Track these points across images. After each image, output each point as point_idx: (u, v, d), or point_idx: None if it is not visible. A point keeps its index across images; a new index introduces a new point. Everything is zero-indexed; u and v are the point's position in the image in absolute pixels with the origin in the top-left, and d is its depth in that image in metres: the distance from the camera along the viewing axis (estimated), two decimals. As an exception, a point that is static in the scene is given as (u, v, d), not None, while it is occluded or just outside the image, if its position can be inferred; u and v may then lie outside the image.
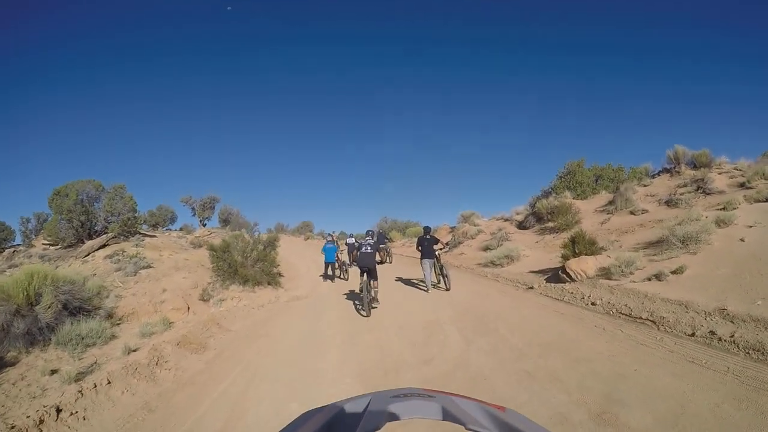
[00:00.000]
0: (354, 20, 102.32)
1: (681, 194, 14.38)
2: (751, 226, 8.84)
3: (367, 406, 0.85)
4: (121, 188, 21.51)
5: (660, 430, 3.75)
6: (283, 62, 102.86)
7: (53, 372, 6.83)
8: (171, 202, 50.00)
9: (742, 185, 13.18)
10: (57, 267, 15.90)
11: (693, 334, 5.72)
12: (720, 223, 9.20)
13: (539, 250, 15.47)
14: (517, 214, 22.60)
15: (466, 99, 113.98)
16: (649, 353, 5.43)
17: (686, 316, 6.22)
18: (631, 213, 15.04)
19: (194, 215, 36.02)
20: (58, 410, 5.39)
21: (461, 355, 6.42)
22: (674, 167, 17.15)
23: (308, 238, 41.14)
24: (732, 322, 5.68)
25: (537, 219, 19.56)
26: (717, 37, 79.26)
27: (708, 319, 5.95)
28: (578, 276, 9.63)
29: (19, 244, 26.08)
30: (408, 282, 13.76)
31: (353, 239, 19.36)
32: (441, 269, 12.08)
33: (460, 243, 21.26)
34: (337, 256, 16.63)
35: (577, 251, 10.62)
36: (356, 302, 11.00)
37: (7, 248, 24.54)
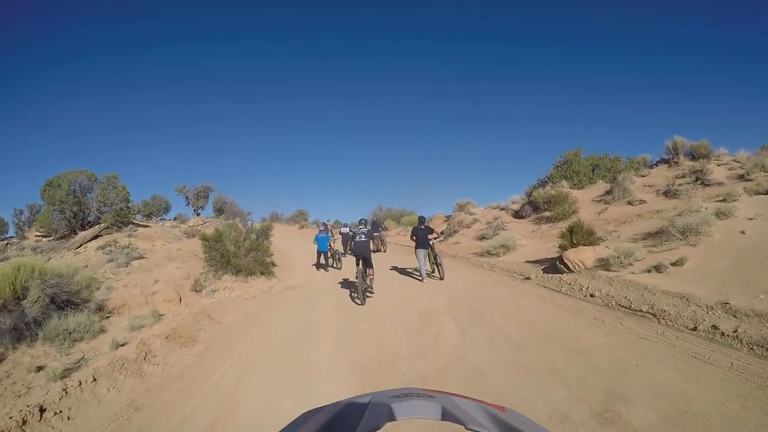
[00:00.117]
0: (346, 11, 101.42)
1: (679, 185, 14.24)
2: (751, 219, 8.70)
3: (367, 405, 0.85)
4: (113, 178, 21.25)
5: (664, 429, 3.61)
6: (276, 50, 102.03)
7: (39, 369, 6.66)
8: (165, 191, 49.48)
9: (741, 177, 13.04)
10: (49, 259, 15.76)
11: (695, 329, 5.58)
12: (720, 214, 9.07)
13: (536, 240, 15.34)
14: (513, 203, 22.43)
15: (463, 88, 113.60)
16: (650, 347, 5.29)
17: (688, 309, 6.08)
18: (629, 203, 14.91)
19: (188, 204, 35.66)
20: (42, 410, 5.20)
21: (457, 346, 6.28)
22: (673, 158, 17.00)
23: (303, 227, 40.92)
24: (735, 316, 5.54)
25: (533, 208, 19.42)
26: (714, 28, 78.97)
27: (710, 312, 5.81)
28: (576, 267, 9.49)
29: (12, 236, 25.79)
30: (403, 271, 13.64)
31: (347, 229, 19.25)
32: (435, 258, 12.11)
33: (455, 232, 21.09)
34: (330, 245, 16.45)
35: (574, 241, 10.49)
36: (351, 290, 10.94)
37: (0, 241, 24.25)
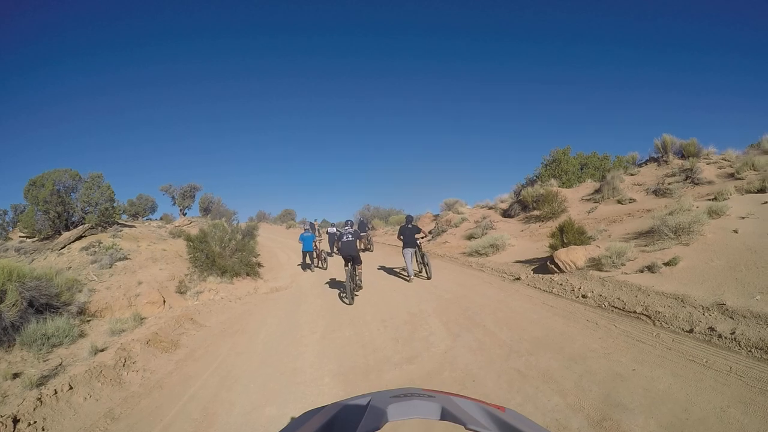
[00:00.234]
0: (335, 5, 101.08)
1: (669, 184, 14.20)
2: (744, 218, 8.62)
3: (367, 406, 0.85)
4: (98, 177, 20.78)
5: (665, 439, 3.45)
6: (263, 48, 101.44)
7: (16, 376, 6.34)
8: (151, 191, 48.86)
9: (731, 176, 13.01)
10: (33, 260, 15.36)
11: (691, 330, 5.44)
12: (712, 213, 8.97)
13: (525, 239, 15.23)
14: (502, 202, 22.32)
15: (451, 86, 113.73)
16: (646, 351, 5.14)
17: (683, 310, 5.94)
18: (619, 202, 14.85)
19: (174, 204, 35.13)
20: (15, 420, 4.94)
21: (447, 351, 6.09)
22: (662, 156, 16.96)
23: (290, 227, 40.81)
24: (731, 317, 5.41)
25: (522, 207, 19.31)
26: (703, 27, 79.74)
27: (706, 314, 5.68)
28: (567, 267, 9.35)
29: (-5, 238, 25.21)
30: (390, 271, 13.48)
31: (334, 229, 19.10)
32: (422, 258, 12.05)
33: (443, 231, 20.94)
34: (315, 245, 16.22)
35: (565, 241, 10.36)
36: (340, 291, 10.82)
37: (-17, 242, 23.68)
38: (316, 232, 17.15)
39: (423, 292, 10.11)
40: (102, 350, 7.20)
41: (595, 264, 8.83)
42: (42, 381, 6.02)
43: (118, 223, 21.68)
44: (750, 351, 4.67)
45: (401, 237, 11.90)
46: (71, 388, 5.70)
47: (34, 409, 5.19)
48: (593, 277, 8.36)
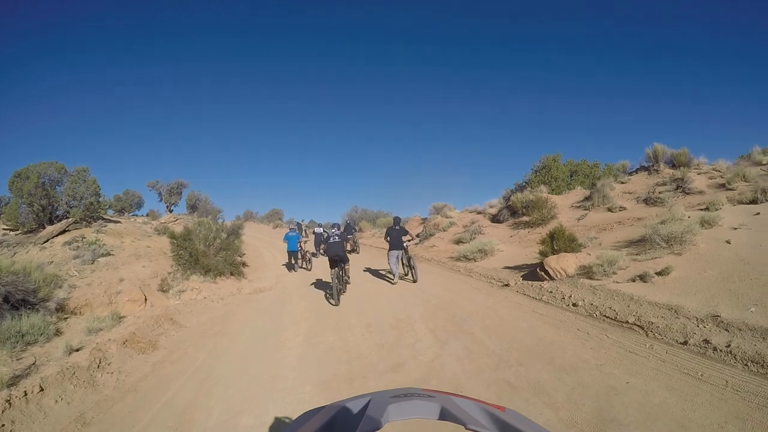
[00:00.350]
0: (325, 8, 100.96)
1: (660, 193, 14.17)
2: (736, 228, 8.56)
3: (367, 406, 0.84)
4: (84, 171, 20.37)
5: (662, 458, 3.30)
6: (252, 47, 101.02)
7: (-13, 375, 6.08)
8: (138, 187, 48.37)
9: (722, 186, 13.01)
10: (15, 254, 14.99)
11: (685, 342, 5.31)
12: (705, 223, 8.91)
13: (514, 245, 15.12)
14: (491, 207, 22.29)
15: (442, 92, 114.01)
16: (639, 363, 4.99)
17: (677, 321, 5.82)
18: (609, 210, 14.81)
19: (161, 201, 34.71)
20: (-19, 423, 4.70)
21: (434, 360, 5.91)
22: (653, 165, 16.96)
23: (277, 226, 40.61)
24: (726, 330, 5.29)
25: (511, 213, 19.26)
26: (695, 37, 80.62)
27: (700, 325, 5.55)
28: (557, 274, 9.22)
29: (-22, 230, 24.68)
30: (376, 273, 13.35)
31: (321, 229, 18.90)
32: (409, 261, 11.94)
33: (431, 235, 20.84)
34: (300, 245, 15.98)
35: (556, 248, 10.23)
36: (326, 292, 10.67)
37: (-34, 234, 23.15)
38: (303, 233, 16.91)
39: (410, 297, 9.93)
40: (77, 350, 6.92)
41: (586, 272, 8.70)
42: (14, 381, 5.74)
43: (103, 218, 21.30)
44: (746, 365, 4.55)
45: (388, 238, 11.80)
46: (42, 389, 5.45)
47: (2, 412, 4.94)
48: (584, 286, 8.23)
